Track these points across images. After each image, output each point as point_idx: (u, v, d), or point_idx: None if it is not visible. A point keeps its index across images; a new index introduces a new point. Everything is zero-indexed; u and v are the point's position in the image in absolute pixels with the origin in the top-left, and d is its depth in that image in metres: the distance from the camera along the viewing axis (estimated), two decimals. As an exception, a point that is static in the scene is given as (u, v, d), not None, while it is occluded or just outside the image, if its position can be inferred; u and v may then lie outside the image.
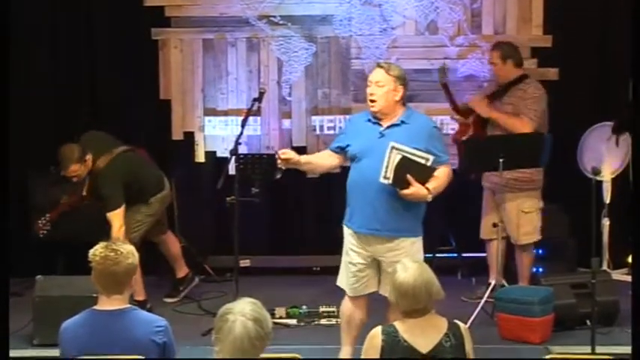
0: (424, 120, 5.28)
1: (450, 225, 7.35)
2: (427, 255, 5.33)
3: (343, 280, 5.27)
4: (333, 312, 6.24)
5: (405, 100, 5.22)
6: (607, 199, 7.30)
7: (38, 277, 5.84)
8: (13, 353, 4.21)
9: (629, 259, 6.55)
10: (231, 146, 6.06)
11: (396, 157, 4.90)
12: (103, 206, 6.14)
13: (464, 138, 6.64)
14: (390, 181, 4.92)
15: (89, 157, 6.14)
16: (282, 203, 7.75)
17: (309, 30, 7.77)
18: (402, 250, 5.03)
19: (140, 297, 6.27)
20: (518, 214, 6.48)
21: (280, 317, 6.23)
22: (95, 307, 3.81)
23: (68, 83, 7.59)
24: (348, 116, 7.65)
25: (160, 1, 7.67)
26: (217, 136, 7.81)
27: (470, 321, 5.82)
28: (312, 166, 5.49)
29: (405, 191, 4.92)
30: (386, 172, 4.92)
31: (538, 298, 5.81)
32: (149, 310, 6.38)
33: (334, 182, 7.78)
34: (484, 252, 6.84)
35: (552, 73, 7.69)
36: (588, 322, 5.59)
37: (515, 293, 5.96)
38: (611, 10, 7.53)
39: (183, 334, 5.47)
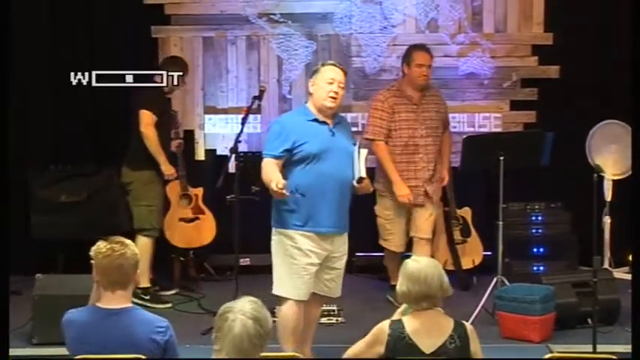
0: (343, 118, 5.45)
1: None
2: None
3: (288, 286, 5.10)
4: (333, 311, 6.24)
5: None
6: (608, 196, 7.28)
7: (38, 275, 5.83)
8: (12, 352, 4.19)
9: (631, 258, 6.53)
10: (231, 144, 6.05)
11: (363, 154, 5.01)
12: None
13: None
14: (365, 178, 5.02)
15: None
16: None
17: (309, 28, 7.76)
18: (346, 244, 5.24)
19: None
20: None
21: (280, 316, 6.21)
22: (98, 304, 3.79)
23: (67, 81, 7.55)
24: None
25: (159, -2, 7.67)
26: (217, 134, 7.81)
27: (470, 320, 5.80)
28: None
29: (366, 182, 5.05)
30: (360, 171, 4.98)
31: (539, 297, 5.79)
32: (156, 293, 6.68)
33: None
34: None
35: (553, 70, 7.69)
36: (589, 320, 5.58)
37: (516, 292, 5.95)
38: (613, 7, 7.52)
39: (183, 333, 5.43)
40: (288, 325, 5.13)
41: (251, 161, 6.83)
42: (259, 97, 6.13)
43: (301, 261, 5.05)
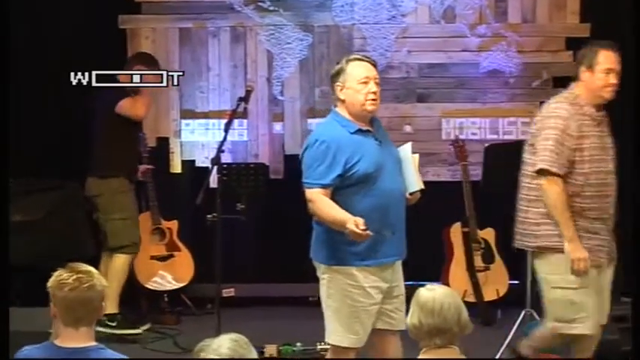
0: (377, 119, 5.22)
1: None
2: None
3: (348, 333, 4.91)
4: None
5: None
6: (656, 215, 7.29)
7: (-13, 309, 5.82)
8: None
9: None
10: (212, 154, 6.07)
11: (416, 161, 4.98)
12: None
13: None
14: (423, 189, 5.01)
15: None
16: (272, 221, 7.74)
17: (304, 17, 7.79)
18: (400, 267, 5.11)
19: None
20: None
21: (271, 356, 6.22)
22: (57, 342, 3.78)
23: (25, 84, 7.53)
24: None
25: (128, -17, 7.71)
26: (196, 142, 7.82)
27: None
28: None
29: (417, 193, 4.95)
30: (416, 182, 4.94)
31: (575, 334, 5.79)
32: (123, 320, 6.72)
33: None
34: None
35: (590, 68, 7.70)
36: (634, 361, 5.58)
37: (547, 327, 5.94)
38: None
39: (156, 376, 5.47)
40: None
41: (236, 174, 6.87)
42: (246, 99, 6.14)
43: (363, 302, 4.88)
